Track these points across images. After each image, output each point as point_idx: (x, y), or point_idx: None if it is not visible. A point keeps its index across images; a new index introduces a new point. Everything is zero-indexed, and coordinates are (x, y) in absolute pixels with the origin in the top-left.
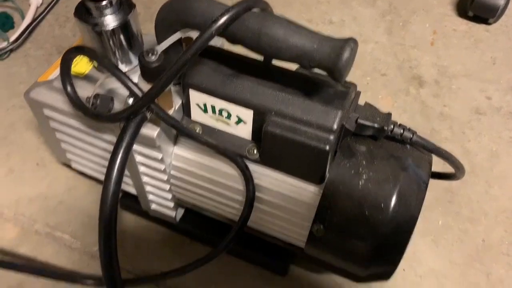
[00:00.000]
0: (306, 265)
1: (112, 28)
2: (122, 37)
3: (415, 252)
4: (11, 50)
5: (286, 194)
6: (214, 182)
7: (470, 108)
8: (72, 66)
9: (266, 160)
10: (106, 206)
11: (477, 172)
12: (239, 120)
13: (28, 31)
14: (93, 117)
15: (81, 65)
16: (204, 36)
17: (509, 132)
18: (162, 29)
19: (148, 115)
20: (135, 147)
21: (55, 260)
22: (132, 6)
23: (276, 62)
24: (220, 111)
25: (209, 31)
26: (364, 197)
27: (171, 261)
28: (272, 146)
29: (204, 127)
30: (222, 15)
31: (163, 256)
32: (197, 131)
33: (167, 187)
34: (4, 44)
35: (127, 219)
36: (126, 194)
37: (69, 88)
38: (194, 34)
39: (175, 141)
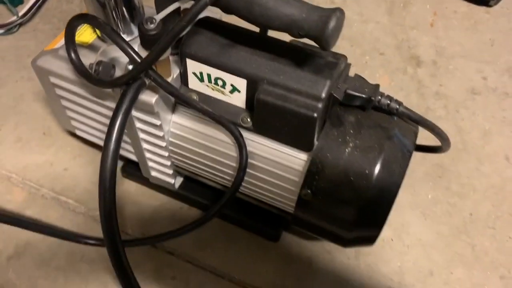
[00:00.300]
0: (298, 233)
1: None
2: (124, 8)
3: (404, 224)
4: (20, 24)
5: (277, 161)
6: (210, 149)
7: (466, 88)
8: (77, 36)
9: (258, 128)
10: (106, 163)
11: (469, 150)
12: (234, 89)
13: (36, 6)
14: (95, 83)
15: (85, 35)
16: (198, 5)
17: (503, 112)
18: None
19: (147, 81)
20: (136, 113)
21: (60, 223)
22: None
23: (271, 34)
24: (216, 80)
25: (203, 0)
26: (350, 164)
27: (170, 226)
28: (264, 113)
29: (201, 95)
30: None
31: (162, 221)
32: (193, 98)
33: (166, 154)
34: (14, 18)
35: (129, 186)
36: (129, 162)
37: (73, 55)
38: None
39: (173, 110)
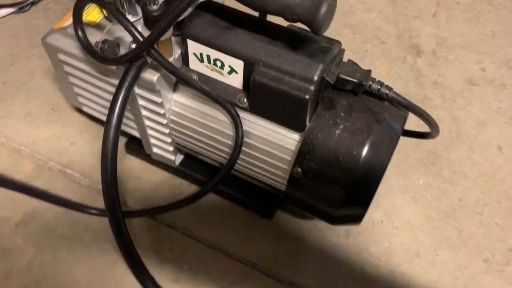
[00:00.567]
0: (291, 212)
1: None
2: None
3: (394, 206)
4: (32, 3)
5: (271, 140)
6: (208, 127)
7: (464, 79)
8: (84, 15)
9: (254, 108)
10: (109, 135)
11: (463, 138)
12: (232, 70)
13: None
14: (100, 60)
15: (93, 14)
16: None
17: (499, 103)
18: None
19: (149, 60)
20: (138, 91)
21: (65, 194)
22: None
23: (270, 18)
24: (215, 61)
25: None
26: (339, 145)
27: (169, 201)
28: (259, 94)
29: (200, 75)
30: None
31: (162, 196)
32: (193, 78)
33: (167, 131)
34: None
35: (132, 162)
36: (132, 138)
37: (80, 33)
38: None
39: (174, 89)
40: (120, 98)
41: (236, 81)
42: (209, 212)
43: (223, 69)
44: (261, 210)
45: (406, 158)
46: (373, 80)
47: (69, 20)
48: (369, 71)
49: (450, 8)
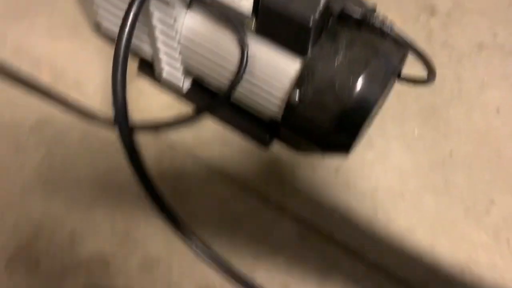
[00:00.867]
0: (286, 148)
1: None
2: None
3: (387, 150)
4: None
5: (273, 65)
6: (216, 51)
7: (474, 42)
8: None
9: (261, 31)
10: (120, 44)
11: (463, 97)
12: None
13: None
14: None
15: None
16: None
17: (505, 68)
18: None
19: None
20: (152, 8)
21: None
22: None
23: None
24: None
25: None
26: (337, 74)
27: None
28: (267, 18)
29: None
30: None
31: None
32: None
33: (177, 54)
34: None
35: (142, 85)
36: (144, 61)
37: None
38: None
39: (187, 8)
40: (134, 7)
41: (247, 3)
42: (209, 137)
43: None
44: (259, 136)
45: (405, 108)
46: (377, 16)
47: None
48: (374, 6)
49: None
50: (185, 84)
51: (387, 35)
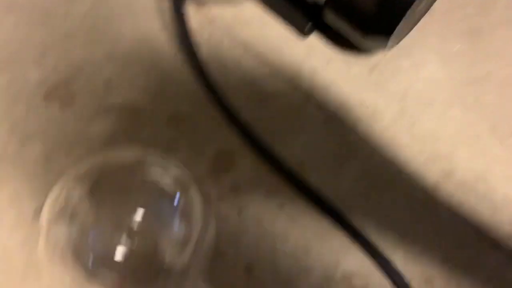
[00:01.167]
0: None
1: None
2: None
3: (423, 62)
4: None
5: None
6: None
7: None
8: None
9: None
10: None
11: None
12: None
13: None
14: None
15: None
16: None
17: None
18: None
19: None
20: None
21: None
22: None
23: None
24: None
25: None
26: None
27: None
28: None
29: None
30: None
31: None
32: None
33: None
34: None
35: None
36: None
37: None
38: None
39: None
40: None
41: None
42: (248, 17)
43: None
44: (299, 23)
45: (450, 26)
46: None
47: None
48: None
49: None
50: None
51: None
